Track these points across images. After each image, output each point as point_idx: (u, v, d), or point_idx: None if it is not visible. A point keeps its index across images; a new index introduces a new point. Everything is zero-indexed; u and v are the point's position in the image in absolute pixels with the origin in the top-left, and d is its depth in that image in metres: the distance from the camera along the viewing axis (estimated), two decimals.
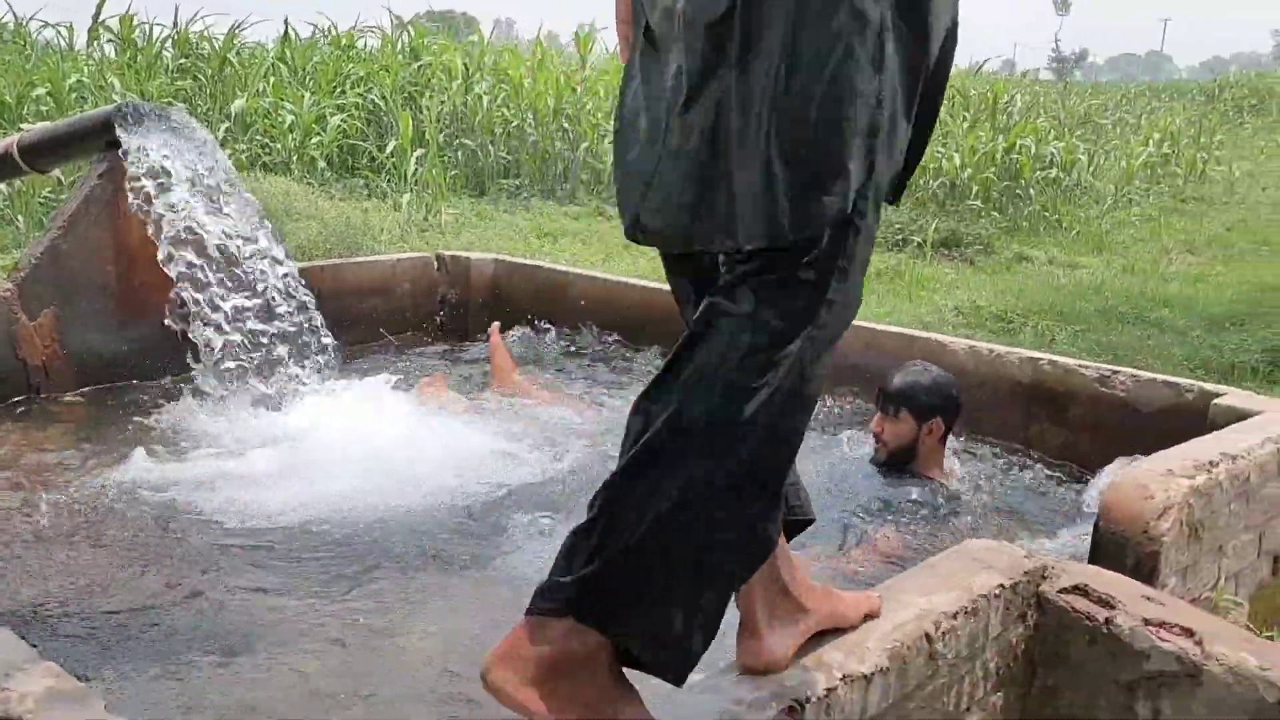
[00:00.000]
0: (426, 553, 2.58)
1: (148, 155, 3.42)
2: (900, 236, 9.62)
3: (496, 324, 4.22)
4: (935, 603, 1.74)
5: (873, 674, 1.59)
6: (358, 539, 2.64)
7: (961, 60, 12.90)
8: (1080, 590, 1.87)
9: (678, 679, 1.31)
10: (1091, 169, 12.31)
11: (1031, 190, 11.05)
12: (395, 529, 2.69)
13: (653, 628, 1.28)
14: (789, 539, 1.58)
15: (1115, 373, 3.30)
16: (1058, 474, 3.27)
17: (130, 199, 3.48)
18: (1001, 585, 1.83)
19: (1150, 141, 14.10)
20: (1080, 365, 3.38)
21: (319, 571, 2.46)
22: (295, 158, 9.40)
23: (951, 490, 3.01)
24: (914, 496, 2.94)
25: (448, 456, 3.12)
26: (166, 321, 3.55)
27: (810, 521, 1.61)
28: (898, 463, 3.04)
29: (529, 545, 2.61)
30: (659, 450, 1.28)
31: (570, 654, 1.27)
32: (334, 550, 2.58)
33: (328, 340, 3.72)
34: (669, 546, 1.27)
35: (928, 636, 1.69)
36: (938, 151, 10.89)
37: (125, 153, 3.45)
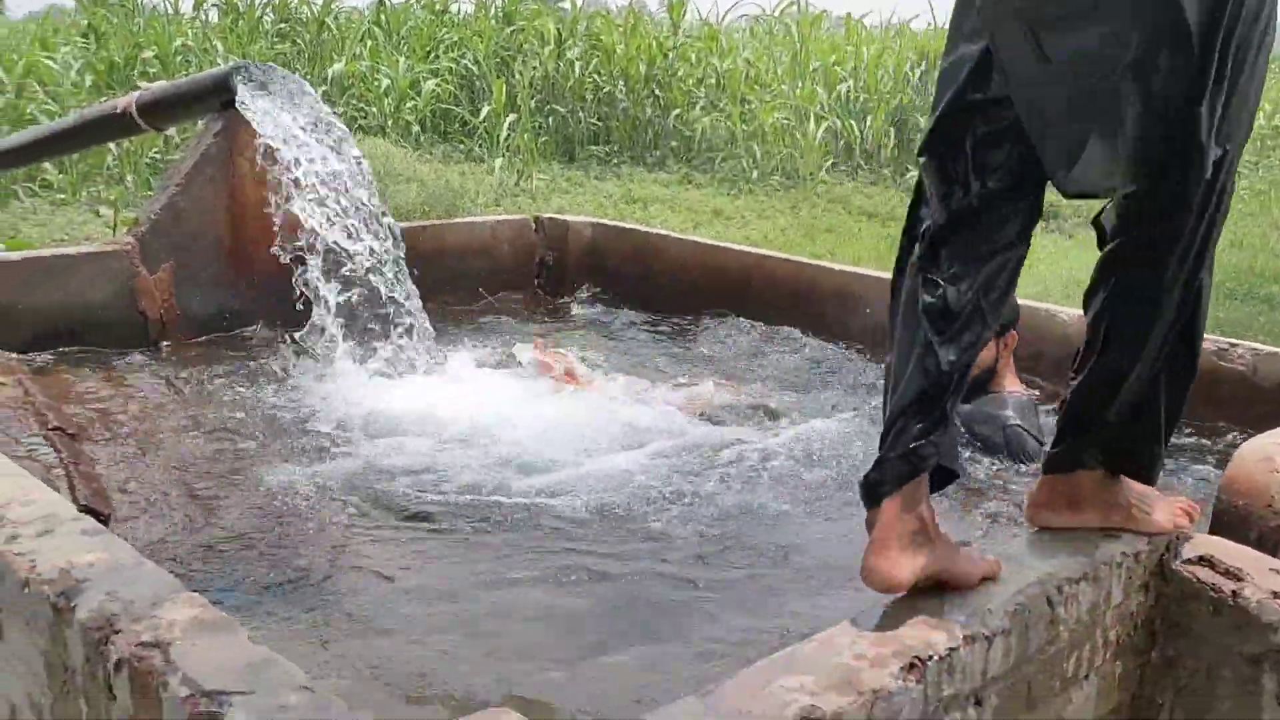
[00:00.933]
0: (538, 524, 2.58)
1: (265, 114, 3.49)
2: None
3: (539, 340, 4.01)
4: (1058, 568, 1.72)
5: (994, 635, 1.58)
6: (484, 506, 2.65)
7: None
8: (1206, 561, 1.83)
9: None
10: None
11: None
12: (518, 503, 2.68)
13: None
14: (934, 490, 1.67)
15: (1234, 345, 3.21)
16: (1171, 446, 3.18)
17: (256, 156, 3.56)
18: (1124, 553, 1.80)
19: (1261, 113, 13.58)
20: None
21: (449, 541, 2.47)
22: (390, 121, 9.52)
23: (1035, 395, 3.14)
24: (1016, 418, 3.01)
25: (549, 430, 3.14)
26: (281, 284, 3.61)
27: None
28: (978, 386, 3.07)
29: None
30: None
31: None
32: (464, 518, 2.57)
33: (423, 321, 3.74)
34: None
35: (1049, 601, 1.68)
36: None
37: (244, 110, 3.53)
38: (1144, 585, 1.86)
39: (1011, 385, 3.14)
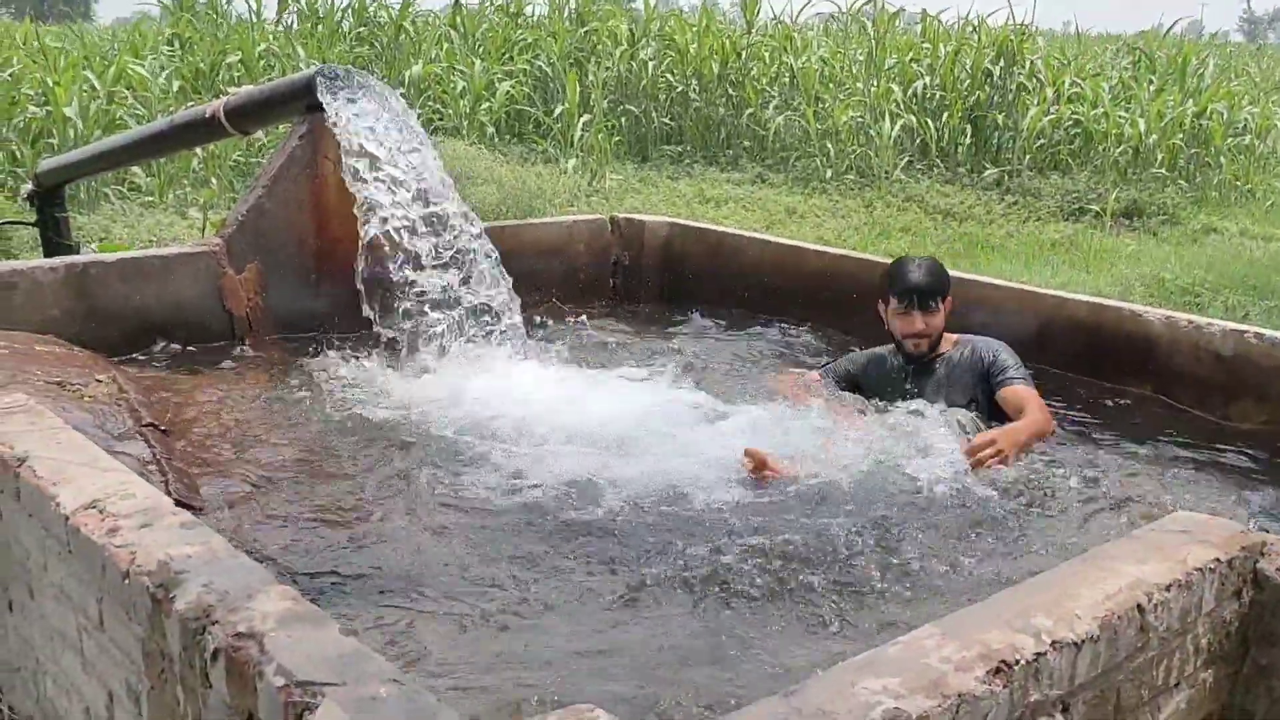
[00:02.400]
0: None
1: (349, 117, 3.55)
2: (1077, 206, 9.27)
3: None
4: (1147, 573, 1.69)
5: (1083, 641, 1.56)
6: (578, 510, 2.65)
7: (1146, 22, 12.26)
8: None
9: None
10: None
11: (1222, 158, 10.45)
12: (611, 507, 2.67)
13: None
14: None
15: None
16: (1259, 450, 3.10)
17: (342, 159, 3.62)
18: (1217, 559, 1.76)
19: None
20: None
21: (535, 538, 2.49)
22: (466, 123, 9.64)
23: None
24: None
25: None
26: (358, 276, 3.67)
27: None
28: (931, 350, 3.32)
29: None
30: None
31: None
32: (552, 516, 2.59)
33: (516, 319, 3.76)
34: None
35: (1139, 607, 1.64)
36: (1120, 117, 10.40)
37: (328, 115, 3.59)
38: (1236, 591, 1.82)
39: (947, 343, 3.36)
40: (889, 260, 3.63)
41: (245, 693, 1.37)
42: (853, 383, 3.50)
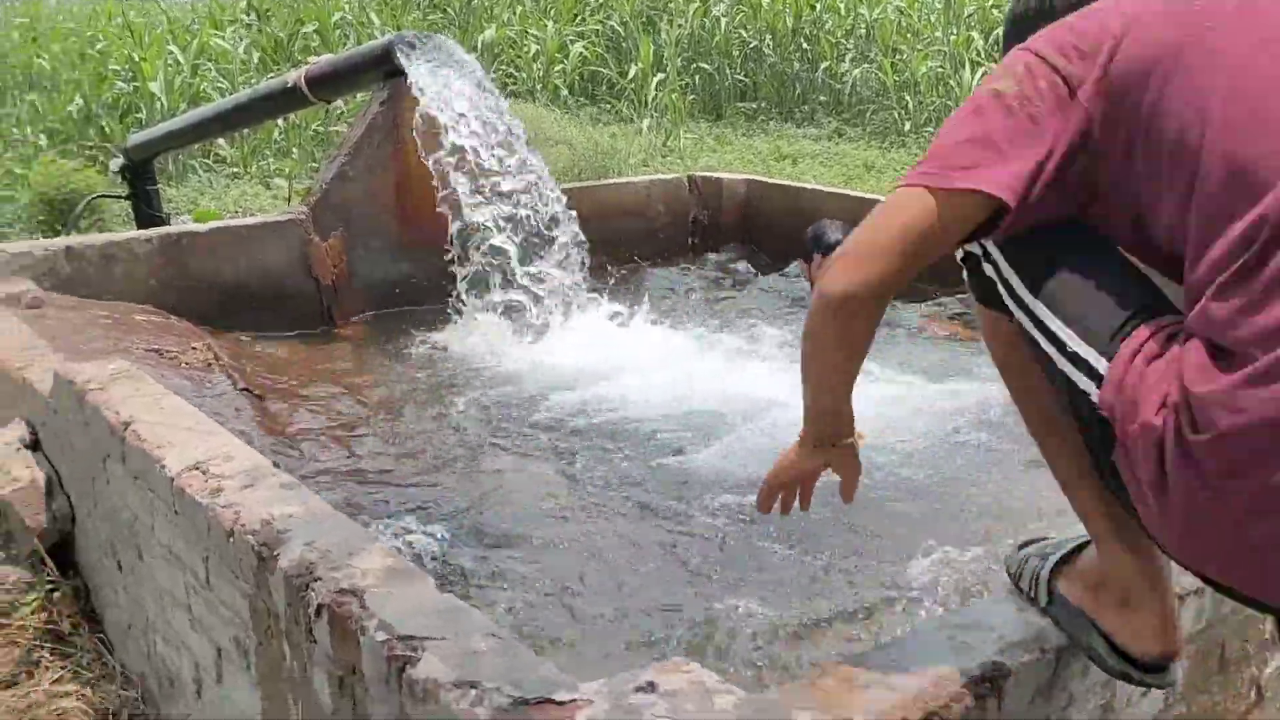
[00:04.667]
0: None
1: (428, 83, 3.58)
2: None
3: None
4: None
5: (1187, 595, 1.52)
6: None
7: None
8: None
9: None
10: None
11: None
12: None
13: None
14: None
15: None
16: None
17: (417, 125, 3.65)
18: None
19: None
20: None
21: (623, 497, 2.52)
22: (540, 85, 9.63)
23: None
24: None
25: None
26: (448, 252, 3.69)
27: None
28: None
29: None
30: None
31: None
32: (637, 479, 2.62)
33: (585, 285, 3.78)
34: None
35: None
36: None
37: (409, 82, 3.62)
38: None
39: None
40: None
41: (349, 647, 1.40)
42: None
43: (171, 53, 8.35)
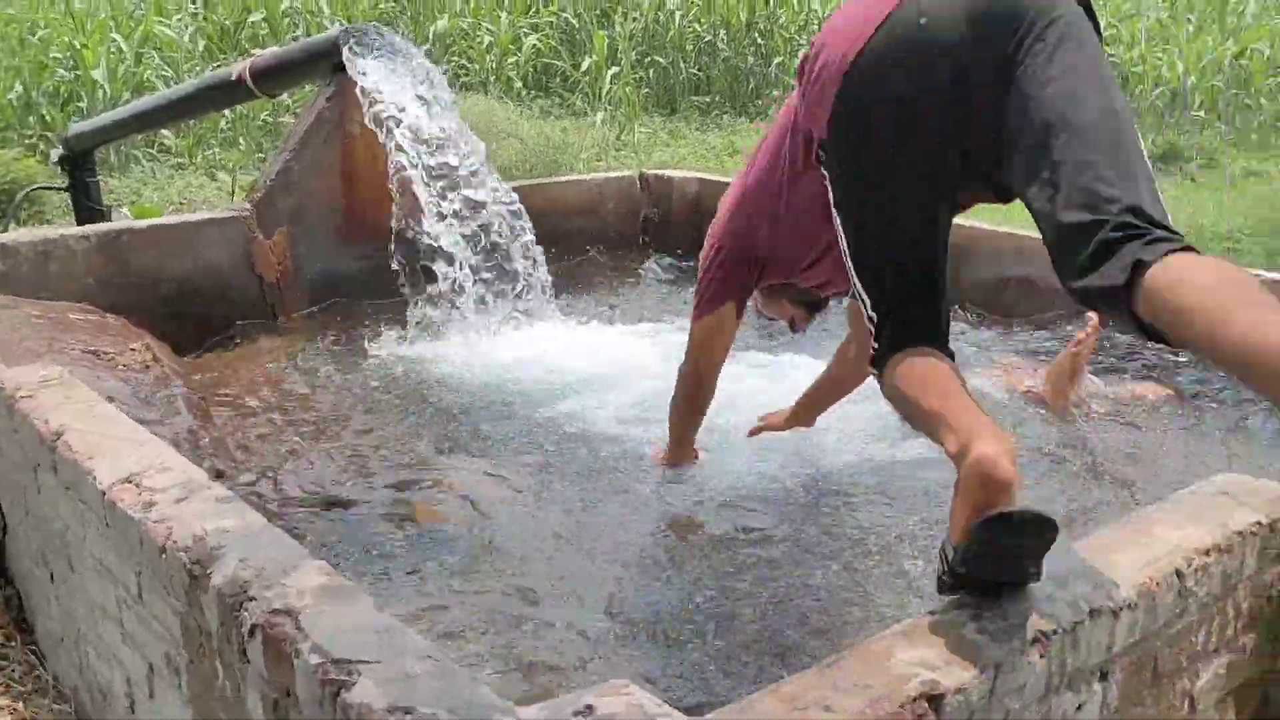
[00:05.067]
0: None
1: (374, 77, 3.53)
2: None
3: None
4: (1188, 538, 1.66)
5: (1121, 609, 1.54)
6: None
7: None
8: None
9: None
10: None
11: (1263, 99, 10.21)
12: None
13: None
14: None
15: None
16: None
17: (366, 120, 3.60)
18: (1259, 523, 1.74)
19: None
20: None
21: (568, 505, 2.50)
22: (493, 77, 9.56)
23: None
24: None
25: None
26: (393, 252, 3.65)
27: None
28: None
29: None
30: None
31: None
32: (586, 482, 2.61)
33: (545, 277, 3.75)
34: None
35: (1179, 573, 1.62)
36: (1157, 58, 10.18)
37: (353, 73, 3.56)
38: (1279, 555, 1.79)
39: None
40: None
41: (283, 669, 1.38)
42: None
43: (115, 40, 8.18)
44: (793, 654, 1.88)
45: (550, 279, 3.78)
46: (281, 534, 1.65)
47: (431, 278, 3.58)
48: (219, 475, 2.37)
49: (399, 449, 2.79)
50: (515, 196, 3.81)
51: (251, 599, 1.45)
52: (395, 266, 3.62)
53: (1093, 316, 2.88)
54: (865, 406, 2.79)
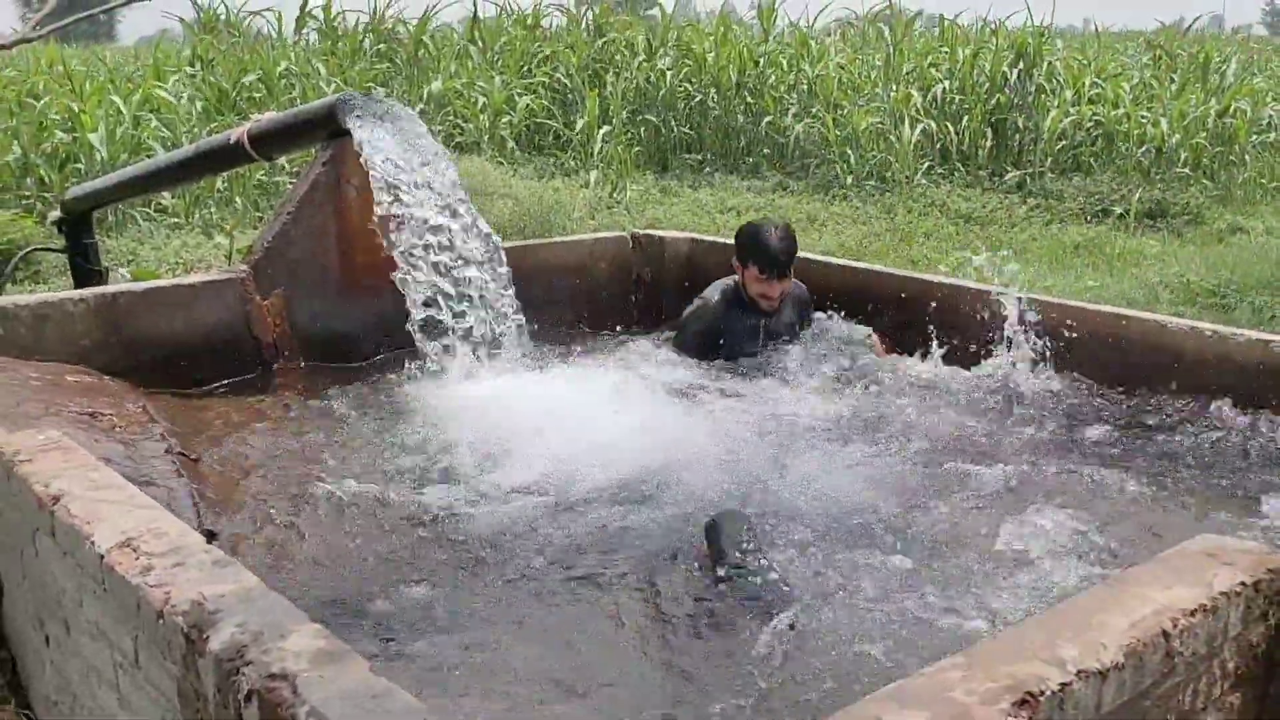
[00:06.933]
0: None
1: (372, 144, 3.59)
2: (1100, 207, 9.22)
3: None
4: (1173, 599, 1.69)
5: (1108, 670, 1.56)
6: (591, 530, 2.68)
7: (1167, 17, 12.18)
8: None
9: None
10: None
11: (1247, 156, 10.38)
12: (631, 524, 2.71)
13: None
14: None
15: None
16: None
17: (363, 185, 3.65)
18: (1243, 583, 1.76)
19: None
20: None
21: (560, 572, 2.49)
22: (487, 137, 9.69)
23: None
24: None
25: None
26: (410, 309, 3.67)
27: None
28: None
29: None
30: None
31: None
32: (578, 547, 2.60)
33: (518, 319, 3.81)
34: None
35: (1165, 634, 1.64)
36: (1142, 117, 10.35)
37: (357, 142, 3.62)
38: (1263, 614, 1.82)
39: None
40: (909, 272, 3.71)
41: None
42: (716, 335, 4.01)
43: (113, 102, 8.28)
44: (781, 715, 1.89)
45: (527, 336, 3.84)
46: (278, 597, 1.67)
47: (423, 334, 3.61)
48: (212, 536, 2.39)
49: (395, 512, 2.80)
50: (502, 256, 3.85)
51: (249, 663, 1.47)
52: (410, 326, 3.64)
53: None
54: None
